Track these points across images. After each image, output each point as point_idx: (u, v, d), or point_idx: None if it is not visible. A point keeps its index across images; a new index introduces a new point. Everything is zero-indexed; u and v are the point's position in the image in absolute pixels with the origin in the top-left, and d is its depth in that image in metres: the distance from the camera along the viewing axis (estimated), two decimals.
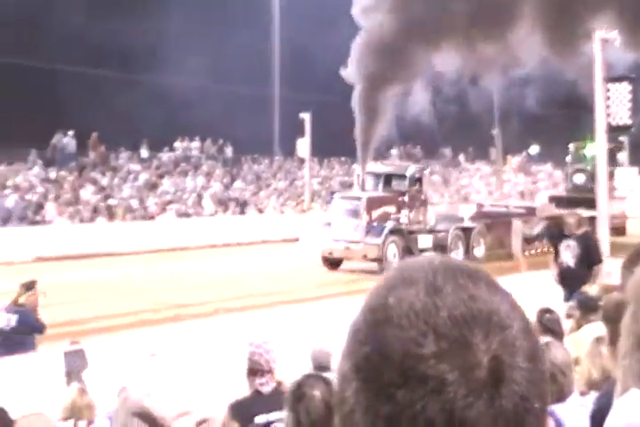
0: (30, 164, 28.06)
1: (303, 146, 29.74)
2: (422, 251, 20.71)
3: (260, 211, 30.02)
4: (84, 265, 20.10)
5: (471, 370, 0.76)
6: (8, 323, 8.99)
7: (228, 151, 34.91)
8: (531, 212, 24.48)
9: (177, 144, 33.32)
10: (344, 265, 20.78)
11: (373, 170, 22.30)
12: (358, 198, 20.86)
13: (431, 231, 21.62)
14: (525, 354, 0.80)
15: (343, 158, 37.56)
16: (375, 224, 20.30)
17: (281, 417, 4.33)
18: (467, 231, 22.18)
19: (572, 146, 30.42)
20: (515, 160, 41.65)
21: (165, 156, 32.48)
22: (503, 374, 0.78)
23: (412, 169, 22.00)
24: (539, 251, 22.32)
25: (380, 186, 21.69)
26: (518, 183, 38.47)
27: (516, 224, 22.38)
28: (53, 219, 24.61)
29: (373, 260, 19.87)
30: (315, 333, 5.82)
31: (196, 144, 33.93)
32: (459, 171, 40.84)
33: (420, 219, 21.57)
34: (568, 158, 30.04)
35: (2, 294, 11.13)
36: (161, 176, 30.60)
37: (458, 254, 21.57)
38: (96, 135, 29.96)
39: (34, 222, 24.30)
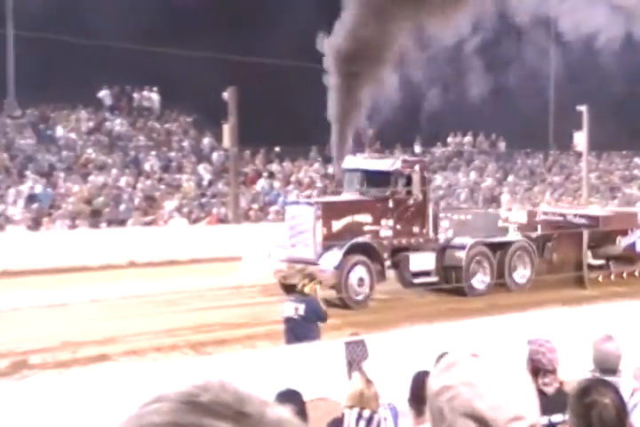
0: (311, 160, 29.53)
1: (580, 139, 28.64)
2: (418, 275, 15.95)
3: (535, 205, 29.34)
4: None
5: None
6: (296, 312, 9.56)
7: (501, 146, 34.49)
8: (594, 222, 18.24)
9: (449, 139, 33.46)
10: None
11: (349, 166, 16.94)
12: (310, 204, 15.83)
13: (443, 248, 16.29)
14: None
15: (624, 152, 35.74)
16: (338, 239, 15.15)
17: (564, 420, 4.27)
18: (502, 247, 16.79)
19: None
20: None
21: (438, 151, 32.73)
22: None
23: (396, 163, 16.41)
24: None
25: (364, 187, 16.44)
26: None
27: (586, 238, 17.33)
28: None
29: (332, 287, 14.79)
30: (595, 333, 5.63)
31: (468, 139, 33.85)
32: None
33: (416, 231, 16.27)
34: None
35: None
36: (434, 171, 30.87)
37: (479, 281, 16.33)
38: (372, 131, 30.84)
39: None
